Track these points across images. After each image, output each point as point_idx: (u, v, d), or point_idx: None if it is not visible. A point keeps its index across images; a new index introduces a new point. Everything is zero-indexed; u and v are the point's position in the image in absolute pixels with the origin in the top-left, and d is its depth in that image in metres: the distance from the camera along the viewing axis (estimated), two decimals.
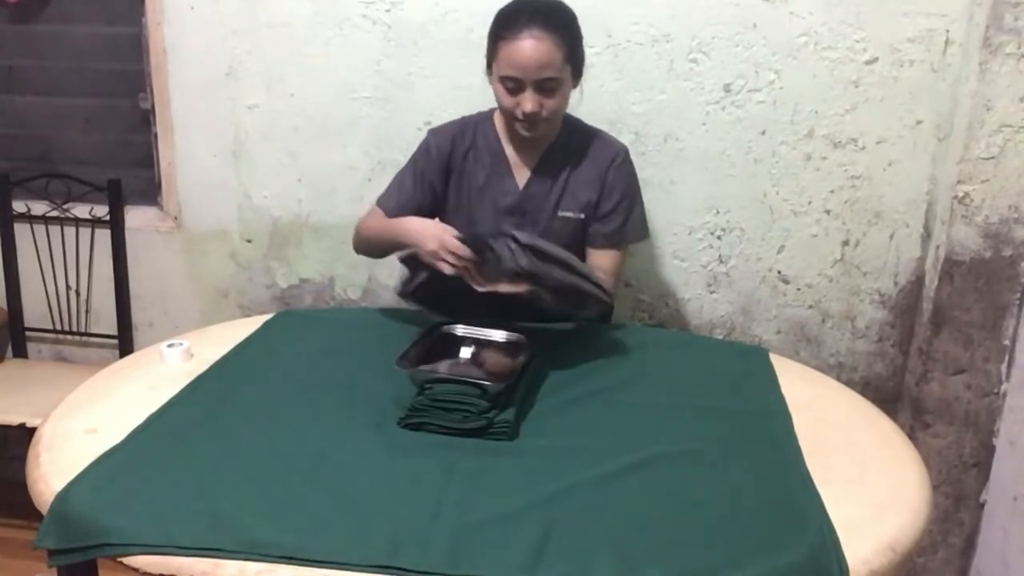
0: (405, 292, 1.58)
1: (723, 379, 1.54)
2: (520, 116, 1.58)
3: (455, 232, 1.49)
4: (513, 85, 1.56)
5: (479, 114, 1.77)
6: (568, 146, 1.71)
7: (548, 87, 1.56)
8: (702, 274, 2.10)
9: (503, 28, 1.56)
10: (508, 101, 1.58)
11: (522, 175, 1.72)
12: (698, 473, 1.21)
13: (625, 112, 2.00)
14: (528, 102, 1.56)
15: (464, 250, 1.45)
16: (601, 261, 1.71)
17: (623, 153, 1.73)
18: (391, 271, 2.21)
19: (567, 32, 1.57)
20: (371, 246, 1.77)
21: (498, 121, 1.73)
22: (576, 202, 1.71)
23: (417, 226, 1.58)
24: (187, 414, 1.33)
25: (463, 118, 1.78)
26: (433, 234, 1.50)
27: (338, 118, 2.12)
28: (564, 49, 1.55)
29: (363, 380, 1.45)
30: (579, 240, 1.73)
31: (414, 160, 1.76)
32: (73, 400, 1.40)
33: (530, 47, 1.52)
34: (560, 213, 1.71)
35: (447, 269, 1.46)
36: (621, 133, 1.98)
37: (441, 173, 1.73)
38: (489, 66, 1.62)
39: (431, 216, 1.72)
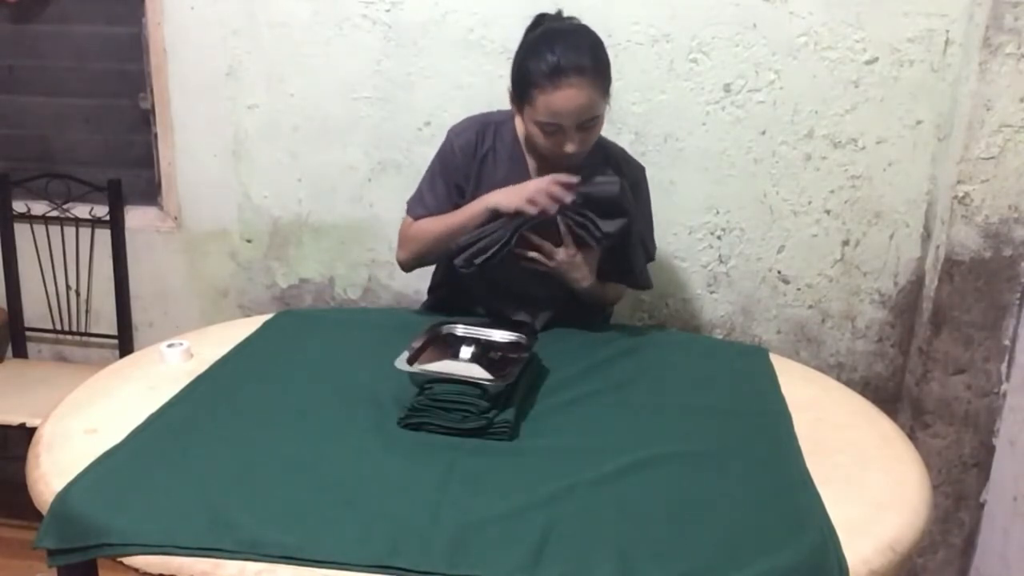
0: (468, 265, 1.58)
1: (723, 379, 1.54)
2: (564, 155, 1.55)
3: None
4: (552, 129, 1.52)
5: (499, 113, 1.72)
6: (589, 162, 1.65)
7: (588, 125, 1.53)
8: (702, 274, 2.10)
9: (537, 76, 1.49)
10: (546, 142, 1.55)
11: None
12: (698, 473, 1.21)
13: (625, 112, 2.00)
14: (571, 145, 1.53)
15: (569, 178, 1.54)
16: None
17: (640, 175, 1.74)
18: (391, 272, 2.21)
19: (602, 67, 1.53)
20: (433, 247, 1.68)
21: (519, 127, 1.67)
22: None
23: (504, 190, 1.58)
24: (187, 414, 1.33)
25: (482, 116, 1.73)
26: (532, 184, 1.55)
27: (338, 118, 2.12)
28: (602, 86, 1.51)
29: (363, 380, 1.45)
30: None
31: (440, 163, 1.71)
32: (73, 400, 1.39)
33: (572, 96, 1.47)
34: None
35: (536, 211, 1.54)
36: (621, 133, 1.98)
37: (466, 172, 1.69)
38: (519, 104, 1.57)
39: None
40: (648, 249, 1.76)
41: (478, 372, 1.38)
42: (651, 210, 1.78)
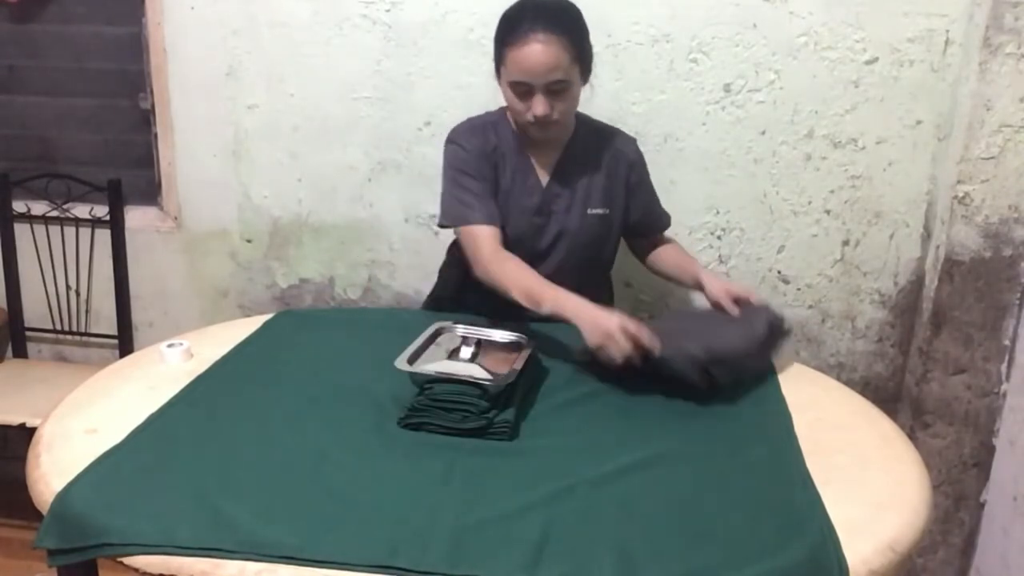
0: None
1: None
2: (532, 119, 1.58)
3: (639, 329, 1.38)
4: (523, 89, 1.55)
5: (488, 114, 1.75)
6: (585, 144, 1.71)
7: (557, 89, 1.55)
8: None
9: (508, 34, 1.55)
10: (519, 105, 1.58)
11: (544, 174, 1.71)
12: (698, 473, 1.21)
13: (625, 112, 2.00)
14: (539, 106, 1.55)
15: (649, 341, 1.37)
16: (667, 237, 1.82)
17: (634, 144, 1.77)
18: (391, 272, 2.21)
19: (574, 32, 1.56)
20: (514, 296, 1.54)
21: (513, 123, 1.70)
22: (601, 198, 1.71)
23: (591, 314, 1.42)
24: (187, 414, 1.33)
25: (478, 118, 1.73)
26: (614, 328, 1.37)
27: (338, 118, 2.12)
28: (572, 50, 1.54)
29: (363, 380, 1.45)
30: (606, 234, 1.74)
31: (461, 165, 1.65)
32: (73, 400, 1.39)
33: (537, 51, 1.51)
34: (590, 211, 1.71)
35: (612, 358, 1.39)
36: None
37: (490, 164, 1.66)
38: (498, 71, 1.61)
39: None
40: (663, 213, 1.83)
41: (478, 372, 1.39)
42: (650, 178, 1.79)
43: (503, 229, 1.64)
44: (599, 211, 1.71)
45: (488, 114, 1.75)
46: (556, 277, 1.69)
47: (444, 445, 1.25)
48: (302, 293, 2.28)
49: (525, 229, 1.69)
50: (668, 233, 2.06)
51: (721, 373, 1.41)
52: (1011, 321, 1.87)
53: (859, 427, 1.39)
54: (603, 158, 1.72)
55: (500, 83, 1.62)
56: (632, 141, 1.78)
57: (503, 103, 1.67)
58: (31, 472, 1.19)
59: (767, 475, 1.21)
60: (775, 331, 1.53)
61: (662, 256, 1.80)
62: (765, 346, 1.52)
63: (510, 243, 1.68)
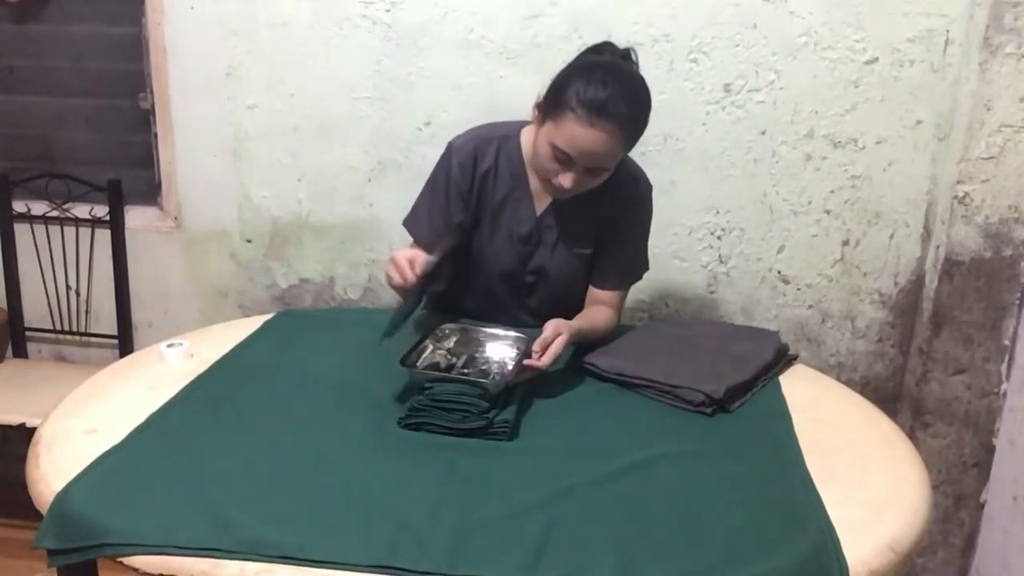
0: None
1: None
2: (556, 185, 1.47)
3: (422, 260, 1.42)
4: (563, 157, 1.43)
5: (504, 126, 1.65)
6: None
7: (597, 172, 1.46)
8: (702, 274, 2.10)
9: (578, 102, 1.38)
10: (550, 165, 1.46)
11: (541, 204, 1.62)
12: (698, 473, 1.21)
13: None
14: (569, 180, 1.45)
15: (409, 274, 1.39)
16: (604, 298, 1.66)
17: (644, 192, 1.65)
18: None
19: (640, 127, 1.46)
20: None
21: (525, 142, 1.61)
22: (591, 238, 1.64)
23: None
24: (187, 414, 1.33)
25: (486, 129, 1.65)
26: (398, 254, 1.43)
27: (338, 118, 2.12)
28: (629, 143, 1.46)
29: (363, 380, 1.45)
30: (587, 275, 1.68)
31: (441, 177, 1.63)
32: (73, 400, 1.39)
33: (600, 140, 1.39)
34: (576, 250, 1.63)
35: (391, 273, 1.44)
36: None
37: (468, 187, 1.61)
38: (544, 116, 1.46)
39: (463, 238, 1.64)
40: (638, 270, 1.70)
41: (478, 371, 1.38)
42: (649, 229, 1.70)
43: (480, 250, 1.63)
44: (585, 251, 1.64)
45: (502, 125, 1.65)
46: (545, 307, 1.63)
47: (444, 445, 1.25)
48: (302, 293, 2.29)
49: (509, 255, 1.64)
50: (668, 234, 2.06)
51: (733, 401, 1.42)
52: (1011, 321, 1.87)
53: (859, 427, 1.39)
54: (604, 197, 1.57)
55: (537, 128, 1.48)
56: (641, 185, 1.64)
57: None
58: (31, 472, 1.19)
59: (767, 475, 1.21)
60: (780, 356, 1.58)
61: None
62: (769, 368, 1.54)
63: (493, 267, 1.64)
